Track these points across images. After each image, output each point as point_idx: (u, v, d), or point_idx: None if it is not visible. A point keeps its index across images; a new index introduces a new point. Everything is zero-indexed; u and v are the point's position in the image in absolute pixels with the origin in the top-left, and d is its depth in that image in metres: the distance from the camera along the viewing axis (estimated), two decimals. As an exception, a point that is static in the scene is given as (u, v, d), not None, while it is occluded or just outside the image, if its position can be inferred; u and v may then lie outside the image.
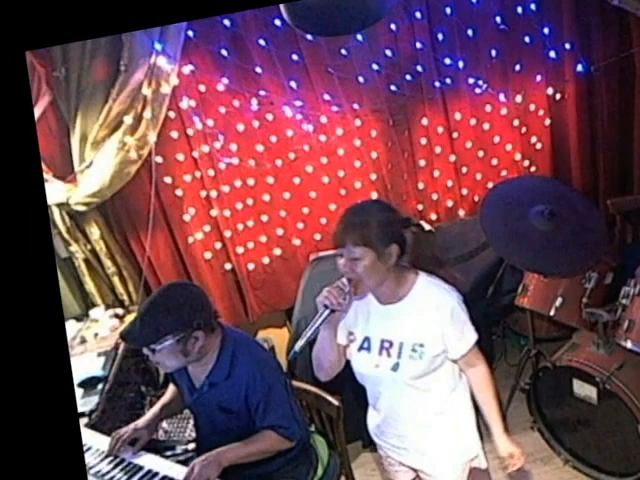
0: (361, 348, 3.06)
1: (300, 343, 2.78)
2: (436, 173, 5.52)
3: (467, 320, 3.00)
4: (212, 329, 3.28)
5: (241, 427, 3.36)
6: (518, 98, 5.37)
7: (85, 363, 4.45)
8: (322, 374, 3.18)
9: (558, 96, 5.42)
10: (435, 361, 2.98)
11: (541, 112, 5.48)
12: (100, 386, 4.19)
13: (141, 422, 3.53)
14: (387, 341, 2.99)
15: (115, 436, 3.45)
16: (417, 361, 2.93)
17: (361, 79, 5.09)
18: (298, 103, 5.07)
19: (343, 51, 5.00)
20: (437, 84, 5.23)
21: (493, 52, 5.20)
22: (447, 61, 5.15)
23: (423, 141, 5.43)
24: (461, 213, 5.64)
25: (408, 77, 5.17)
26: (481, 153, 5.52)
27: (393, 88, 5.18)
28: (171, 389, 3.78)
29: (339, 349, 3.09)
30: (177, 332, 3.11)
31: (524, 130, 5.53)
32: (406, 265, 2.98)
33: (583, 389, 4.15)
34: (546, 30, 5.15)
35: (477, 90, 5.28)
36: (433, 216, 5.62)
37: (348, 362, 3.18)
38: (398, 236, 2.87)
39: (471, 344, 3.01)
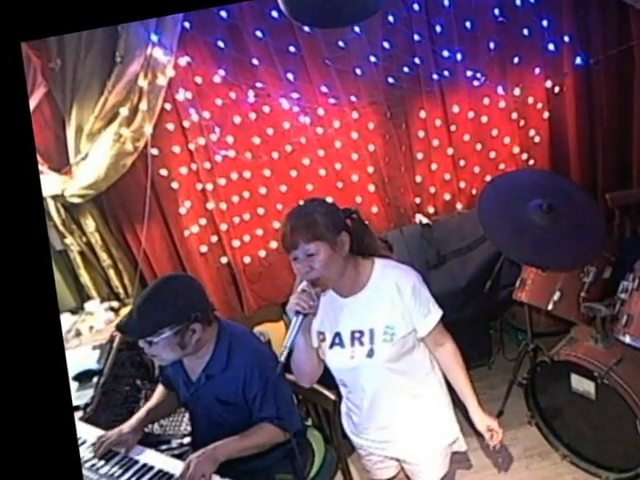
0: (333, 344, 3.08)
1: (283, 354, 2.78)
2: (434, 166, 5.50)
3: (430, 297, 3.06)
4: (209, 322, 3.28)
5: (238, 420, 3.35)
6: (516, 91, 5.34)
7: (80, 356, 4.43)
8: (305, 380, 3.22)
9: (557, 89, 5.40)
10: (407, 342, 3.03)
11: (540, 105, 5.46)
12: (95, 379, 4.18)
13: (126, 427, 3.49)
14: (357, 331, 3.02)
15: (100, 439, 3.42)
16: (390, 344, 2.97)
17: (358, 71, 5.07)
18: (295, 95, 5.05)
19: (340, 43, 4.98)
20: (435, 76, 5.21)
21: (491, 44, 5.18)
22: (445, 53, 5.13)
23: (421, 134, 5.41)
24: (459, 206, 5.63)
25: (406, 69, 5.15)
26: (479, 146, 5.51)
27: (391, 80, 5.16)
28: (158, 392, 3.77)
29: (316, 352, 3.11)
30: (175, 324, 3.10)
31: (522, 123, 5.52)
32: (359, 254, 3.04)
33: (581, 384, 4.14)
34: (545, 22, 5.13)
35: (475, 83, 5.26)
36: (431, 209, 5.61)
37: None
38: (344, 225, 2.95)
39: (437, 319, 3.06)
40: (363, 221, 3.11)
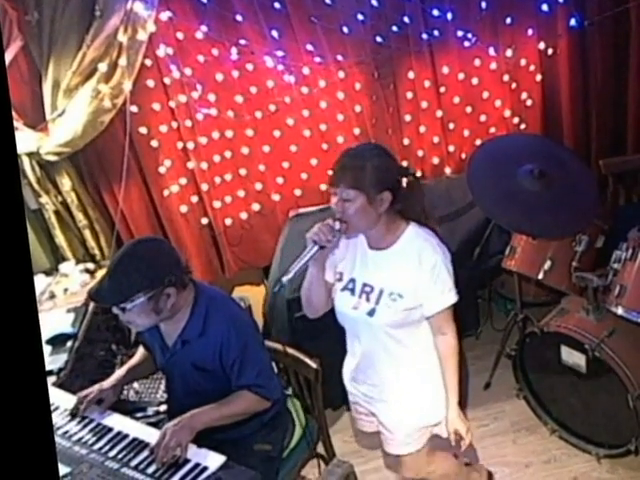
0: (345, 288, 3.17)
1: (288, 276, 2.89)
2: (422, 129, 5.43)
3: (448, 280, 3.07)
4: (184, 285, 3.21)
5: (216, 387, 3.30)
6: (508, 52, 5.25)
7: (54, 319, 4.38)
8: (310, 311, 3.31)
9: (550, 51, 5.31)
10: (412, 314, 3.06)
11: (532, 67, 5.38)
12: (69, 343, 4.14)
13: (106, 383, 3.47)
14: (369, 285, 3.09)
15: (80, 397, 3.39)
16: (392, 310, 3.02)
17: (345, 29, 4.98)
18: (280, 53, 4.96)
19: (327, 0, 4.86)
20: (424, 36, 5.11)
21: (483, 4, 5.08)
22: (435, 12, 5.03)
23: (409, 95, 5.33)
24: (447, 171, 5.57)
25: (394, 28, 5.06)
26: (469, 109, 5.44)
27: (379, 39, 5.07)
28: (140, 352, 3.72)
29: (327, 286, 3.21)
30: (148, 290, 3.02)
31: (514, 86, 5.44)
32: (398, 213, 3.05)
33: (571, 356, 4.11)
34: (538, -18, 5.05)
35: (466, 43, 5.17)
36: (418, 173, 5.46)
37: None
38: (392, 184, 2.96)
39: (445, 305, 3.07)
40: (418, 185, 3.13)
